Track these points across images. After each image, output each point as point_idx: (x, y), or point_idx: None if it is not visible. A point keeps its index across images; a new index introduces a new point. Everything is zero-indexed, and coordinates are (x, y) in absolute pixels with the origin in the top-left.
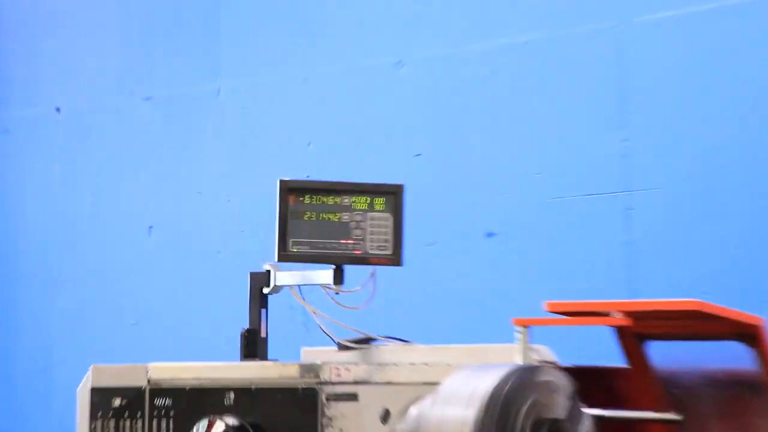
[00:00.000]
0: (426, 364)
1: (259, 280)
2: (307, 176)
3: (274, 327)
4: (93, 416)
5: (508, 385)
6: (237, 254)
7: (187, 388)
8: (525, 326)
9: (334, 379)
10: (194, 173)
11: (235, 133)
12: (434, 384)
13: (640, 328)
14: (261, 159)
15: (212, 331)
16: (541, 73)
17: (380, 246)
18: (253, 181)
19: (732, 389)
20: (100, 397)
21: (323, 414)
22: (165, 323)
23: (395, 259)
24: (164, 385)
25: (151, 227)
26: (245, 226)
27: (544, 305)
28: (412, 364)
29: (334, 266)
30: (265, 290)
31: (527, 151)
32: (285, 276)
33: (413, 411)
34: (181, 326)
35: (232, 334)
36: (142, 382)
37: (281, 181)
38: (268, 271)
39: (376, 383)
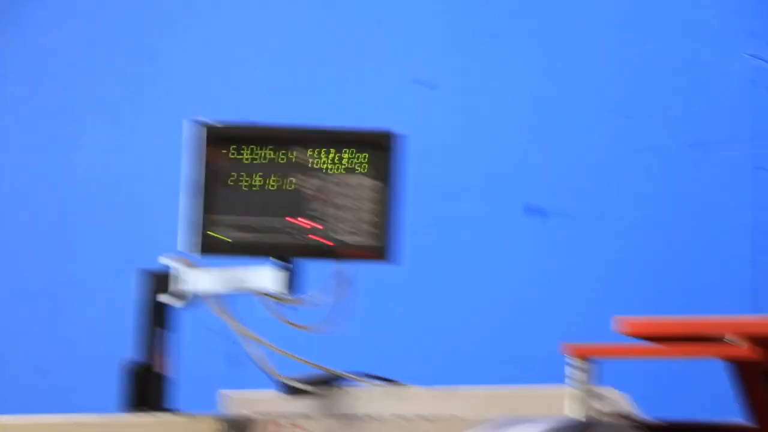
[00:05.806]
0: (425, 417)
1: (155, 282)
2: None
3: (179, 359)
4: None
5: None
6: (117, 242)
7: None
8: (584, 357)
9: None
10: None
11: (114, 34)
12: None
13: None
14: (161, 85)
15: (76, 364)
16: None
17: (355, 229)
18: (150, 121)
19: None
20: None
21: None
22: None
23: (378, 250)
24: None
25: None
26: (132, 194)
27: (615, 323)
28: (403, 417)
29: (278, 262)
30: (164, 299)
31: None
32: (198, 277)
33: None
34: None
35: (106, 371)
36: None
37: (197, 124)
38: (169, 269)
39: None
